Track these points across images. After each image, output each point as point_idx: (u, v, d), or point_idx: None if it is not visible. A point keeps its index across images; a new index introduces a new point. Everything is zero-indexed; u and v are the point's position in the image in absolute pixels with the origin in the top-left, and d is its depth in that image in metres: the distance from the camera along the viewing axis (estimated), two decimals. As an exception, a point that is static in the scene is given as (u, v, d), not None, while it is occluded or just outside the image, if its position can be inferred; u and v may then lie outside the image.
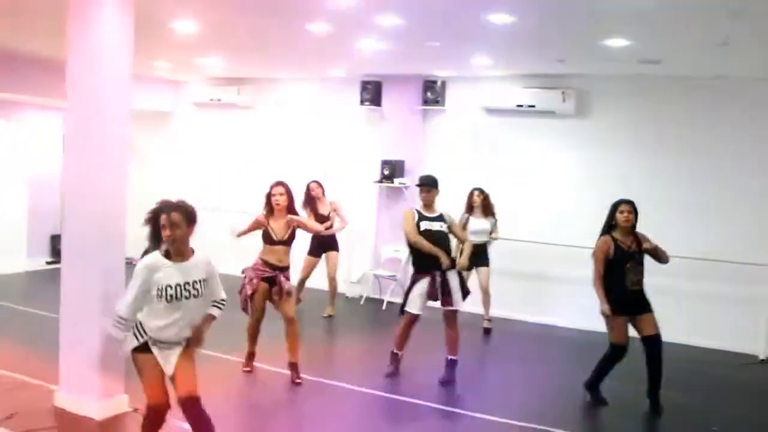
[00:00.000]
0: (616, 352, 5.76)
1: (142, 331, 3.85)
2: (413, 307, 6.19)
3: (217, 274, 4.06)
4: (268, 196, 6.13)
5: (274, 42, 7.67)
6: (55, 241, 11.25)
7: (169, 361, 3.87)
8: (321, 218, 8.36)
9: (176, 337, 3.88)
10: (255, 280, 6.02)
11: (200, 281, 3.89)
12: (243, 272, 6.16)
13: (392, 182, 9.69)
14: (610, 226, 5.87)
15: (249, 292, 6.01)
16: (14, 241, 10.91)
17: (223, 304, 4.13)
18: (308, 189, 8.51)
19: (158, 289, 3.76)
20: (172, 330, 3.84)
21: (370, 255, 10.08)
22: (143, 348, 3.86)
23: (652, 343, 5.70)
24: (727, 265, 7.76)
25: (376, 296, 9.83)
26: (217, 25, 6.86)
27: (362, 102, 9.92)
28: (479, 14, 5.73)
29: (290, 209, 6.14)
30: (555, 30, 6.30)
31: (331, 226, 8.47)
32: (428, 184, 6.36)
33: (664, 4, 5.11)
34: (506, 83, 9.18)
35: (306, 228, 6.44)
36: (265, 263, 6.05)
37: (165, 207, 3.86)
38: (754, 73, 7.56)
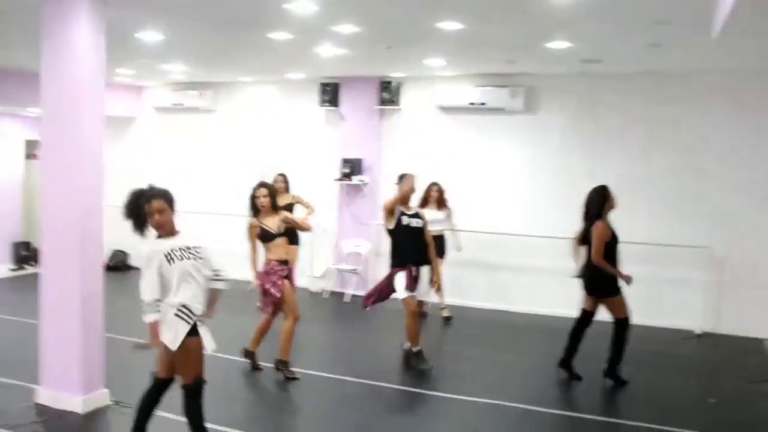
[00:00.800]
0: (628, 325, 6.21)
1: (189, 313, 4.08)
2: (406, 293, 6.50)
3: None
4: (252, 198, 6.21)
5: (237, 49, 7.98)
6: (18, 248, 11.29)
7: (208, 338, 4.17)
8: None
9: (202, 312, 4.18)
10: (279, 282, 6.12)
11: (194, 247, 4.16)
12: (260, 280, 6.24)
13: (351, 180, 10.04)
14: (600, 213, 6.21)
15: (278, 295, 6.12)
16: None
17: (221, 276, 4.36)
18: (274, 180, 8.76)
19: (167, 257, 4.03)
20: (197, 304, 4.12)
21: (333, 250, 10.41)
22: (192, 332, 4.07)
23: (625, 324, 6.22)
24: (666, 249, 8.33)
25: (339, 290, 10.17)
26: (182, 36, 7.14)
27: (321, 103, 10.24)
28: (430, 22, 6.12)
29: (274, 207, 6.24)
30: (502, 35, 6.73)
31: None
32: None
33: (600, 13, 5.57)
34: (458, 82, 9.59)
35: (297, 225, 6.50)
36: (279, 262, 6.18)
37: (144, 197, 4.11)
38: (687, 67, 8.11)
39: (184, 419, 4.17)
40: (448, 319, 8.76)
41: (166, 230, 4.13)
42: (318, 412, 5.67)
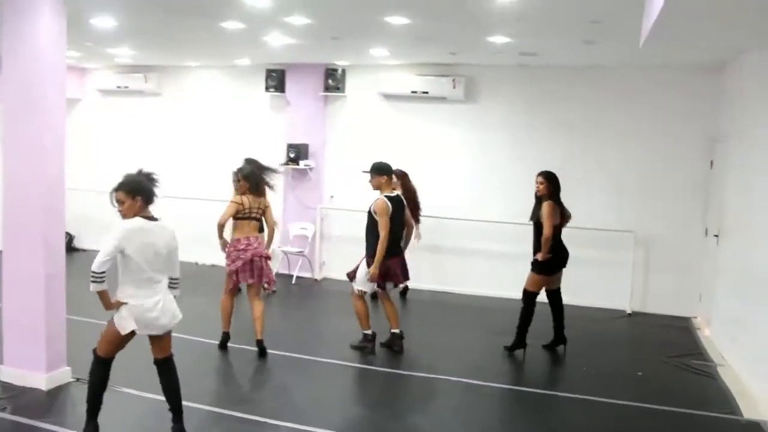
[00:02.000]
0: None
1: None
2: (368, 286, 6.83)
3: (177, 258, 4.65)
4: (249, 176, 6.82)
5: (187, 36, 8.14)
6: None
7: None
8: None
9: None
10: (239, 261, 6.60)
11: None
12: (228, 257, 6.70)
13: (298, 164, 10.31)
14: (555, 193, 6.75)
15: (235, 279, 6.65)
16: None
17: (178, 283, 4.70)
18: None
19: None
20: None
21: (279, 233, 10.66)
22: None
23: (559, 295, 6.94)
24: (598, 233, 8.97)
25: (285, 272, 10.46)
26: (134, 22, 7.29)
27: (267, 89, 10.45)
28: (377, 16, 6.47)
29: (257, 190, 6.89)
30: (445, 29, 7.12)
31: None
32: (371, 171, 6.85)
33: (537, 11, 6.02)
34: (402, 71, 9.96)
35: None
36: (239, 240, 6.67)
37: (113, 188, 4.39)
38: (620, 62, 8.70)
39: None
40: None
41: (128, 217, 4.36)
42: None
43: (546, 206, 6.66)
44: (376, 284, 6.72)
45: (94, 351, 4.46)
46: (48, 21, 5.29)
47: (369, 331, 6.90)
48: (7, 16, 5.33)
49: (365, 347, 6.88)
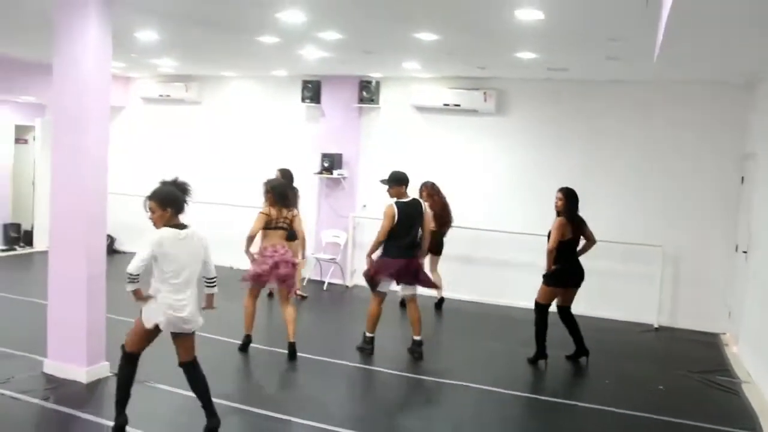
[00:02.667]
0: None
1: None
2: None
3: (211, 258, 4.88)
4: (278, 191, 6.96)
5: (226, 49, 8.51)
6: (8, 229, 11.69)
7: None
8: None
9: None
10: (267, 265, 6.81)
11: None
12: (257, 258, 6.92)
13: (331, 174, 10.59)
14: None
15: (260, 271, 6.82)
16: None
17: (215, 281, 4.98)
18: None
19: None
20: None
21: (312, 240, 10.93)
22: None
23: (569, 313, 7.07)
24: (627, 247, 9.02)
25: (317, 278, 10.72)
26: (176, 37, 7.67)
27: (303, 100, 10.76)
28: (408, 33, 6.71)
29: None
30: (475, 45, 7.33)
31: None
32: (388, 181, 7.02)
33: (558, 30, 6.19)
34: (434, 84, 10.18)
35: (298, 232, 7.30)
36: (270, 248, 6.88)
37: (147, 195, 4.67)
38: (645, 77, 8.76)
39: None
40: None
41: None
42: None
43: (556, 222, 6.86)
44: (368, 280, 7.00)
45: (123, 346, 4.76)
46: (95, 39, 5.64)
47: (371, 335, 7.12)
48: (59, 35, 5.70)
49: (364, 349, 7.10)
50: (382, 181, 7.07)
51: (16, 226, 11.78)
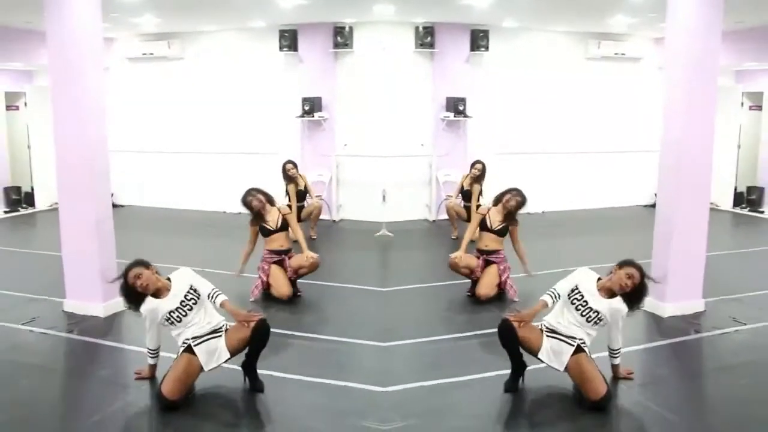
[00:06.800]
0: None
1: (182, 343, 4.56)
2: None
3: (198, 277, 4.71)
4: (249, 206, 6.81)
5: (203, 1, 8.94)
6: (9, 192, 12.21)
7: (211, 352, 4.50)
8: (301, 194, 9.82)
9: (208, 328, 4.57)
10: (266, 266, 6.86)
11: (190, 290, 4.55)
12: (258, 269, 6.90)
13: (313, 116, 11.14)
14: None
15: (265, 278, 6.84)
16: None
17: (218, 291, 4.62)
18: (285, 170, 9.73)
19: (165, 319, 4.53)
20: (201, 328, 4.55)
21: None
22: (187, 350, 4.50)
23: None
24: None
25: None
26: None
27: (281, 48, 11.22)
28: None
29: (271, 203, 6.93)
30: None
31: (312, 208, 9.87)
32: None
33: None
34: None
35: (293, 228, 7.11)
36: (271, 252, 6.92)
37: (126, 270, 4.54)
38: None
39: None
40: None
41: (155, 292, 4.53)
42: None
43: None
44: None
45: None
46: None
47: None
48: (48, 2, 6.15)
49: None
50: None
51: (17, 189, 12.29)
